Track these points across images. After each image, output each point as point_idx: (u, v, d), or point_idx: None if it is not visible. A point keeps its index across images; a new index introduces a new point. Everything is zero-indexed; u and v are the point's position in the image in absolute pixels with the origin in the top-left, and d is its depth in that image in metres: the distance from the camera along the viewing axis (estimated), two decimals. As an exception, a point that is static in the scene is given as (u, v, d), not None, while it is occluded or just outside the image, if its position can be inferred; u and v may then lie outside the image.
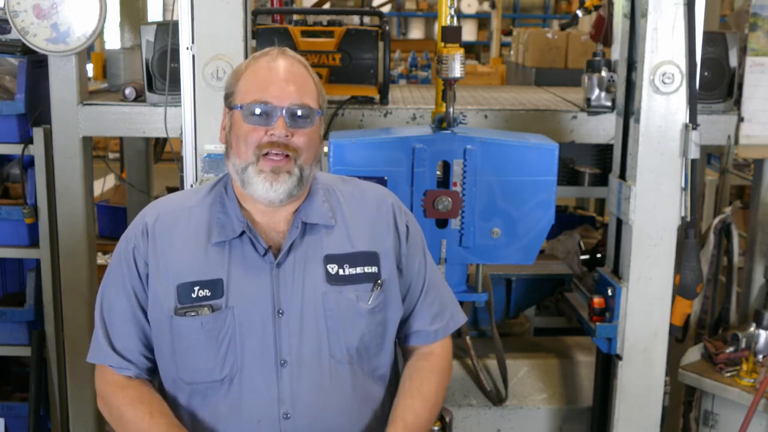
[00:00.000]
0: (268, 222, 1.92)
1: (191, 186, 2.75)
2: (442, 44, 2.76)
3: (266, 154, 1.84)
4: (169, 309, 1.86)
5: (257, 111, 1.84)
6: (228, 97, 1.93)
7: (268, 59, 1.89)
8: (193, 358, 1.87)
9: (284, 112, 1.84)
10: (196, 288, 1.86)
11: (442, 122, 2.78)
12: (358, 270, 1.93)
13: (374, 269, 1.94)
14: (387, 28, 3.51)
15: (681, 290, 2.77)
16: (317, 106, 1.91)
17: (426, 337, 2.06)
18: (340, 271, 1.91)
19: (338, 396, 1.91)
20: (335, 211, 1.96)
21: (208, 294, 1.85)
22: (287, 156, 1.84)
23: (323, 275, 1.90)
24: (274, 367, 1.86)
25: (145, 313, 1.92)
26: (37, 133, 3.30)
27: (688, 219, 2.70)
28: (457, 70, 2.73)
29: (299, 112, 1.86)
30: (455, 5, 2.79)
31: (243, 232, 1.88)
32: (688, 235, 2.73)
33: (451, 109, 2.76)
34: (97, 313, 1.96)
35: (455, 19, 2.80)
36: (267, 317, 1.86)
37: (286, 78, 1.87)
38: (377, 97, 3.48)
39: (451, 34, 2.74)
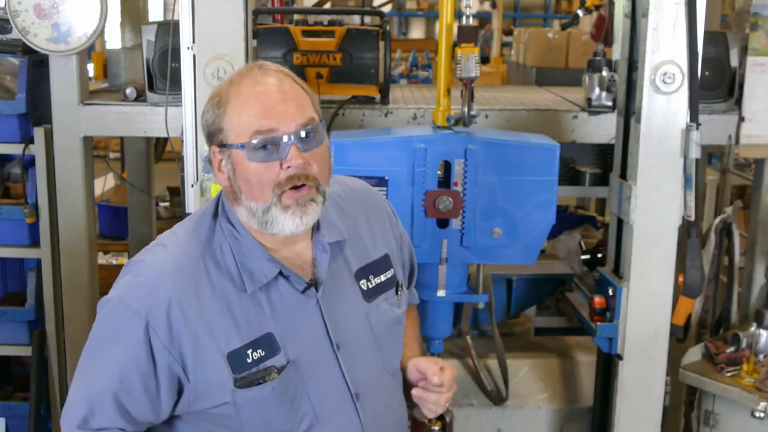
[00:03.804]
0: (293, 253, 1.73)
1: (191, 186, 2.75)
2: (451, 44, 2.77)
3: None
4: (227, 384, 1.63)
5: (264, 145, 1.60)
6: (214, 135, 1.66)
7: (250, 82, 1.64)
8: (266, 424, 1.68)
9: (293, 137, 1.62)
10: (249, 351, 1.64)
11: (458, 122, 2.78)
12: (382, 278, 1.85)
13: (391, 272, 1.87)
14: (388, 27, 3.51)
15: (686, 289, 2.77)
16: (319, 115, 1.69)
17: (413, 297, 2.10)
18: (370, 285, 1.82)
19: (397, 409, 1.88)
20: (342, 220, 1.82)
21: (263, 354, 1.64)
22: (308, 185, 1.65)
23: (359, 294, 1.80)
24: (351, 404, 1.74)
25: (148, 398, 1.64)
26: (38, 132, 3.30)
27: (692, 218, 2.69)
28: (473, 70, 2.74)
29: (308, 133, 1.64)
30: (470, 5, 2.80)
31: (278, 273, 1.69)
32: (692, 234, 2.73)
33: (467, 109, 2.77)
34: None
35: (470, 19, 2.81)
36: (329, 356, 1.72)
37: (282, 98, 1.63)
38: (378, 96, 3.47)
39: (467, 34, 2.75)
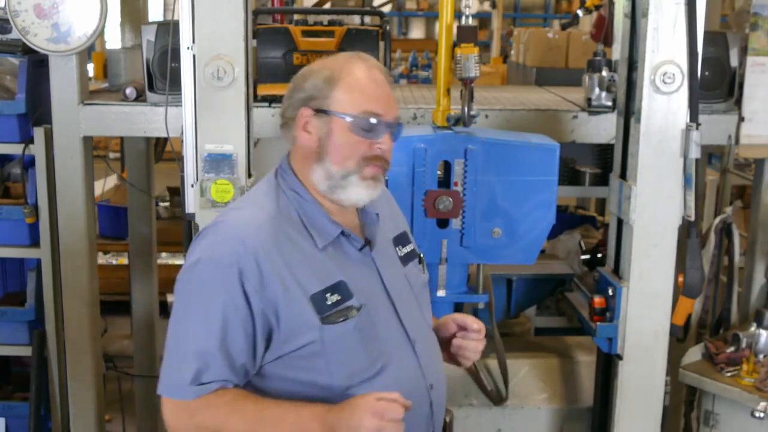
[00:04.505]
0: (345, 219, 1.95)
1: (191, 186, 2.75)
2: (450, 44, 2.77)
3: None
4: (314, 322, 1.81)
5: (368, 124, 1.86)
6: (313, 100, 1.88)
7: (364, 68, 1.90)
8: (349, 361, 1.85)
9: (389, 127, 1.90)
10: (328, 295, 1.83)
11: (458, 121, 2.78)
12: (408, 248, 2.09)
13: (412, 245, 2.12)
14: (388, 27, 3.51)
15: (686, 289, 2.78)
16: None
17: None
18: (403, 252, 2.06)
19: (440, 359, 2.08)
20: (375, 200, 2.03)
21: (339, 298, 1.84)
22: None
23: (397, 258, 2.03)
24: (410, 349, 1.95)
25: (249, 336, 1.80)
26: (38, 132, 3.30)
27: (692, 218, 2.69)
28: (472, 70, 2.74)
29: (399, 127, 1.94)
30: (470, 5, 2.80)
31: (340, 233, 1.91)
32: (692, 234, 2.73)
33: (467, 108, 2.77)
34: (180, 343, 1.82)
35: (470, 18, 2.81)
36: (388, 306, 1.94)
37: (389, 93, 1.92)
38: (378, 96, 3.47)
39: (467, 34, 2.75)
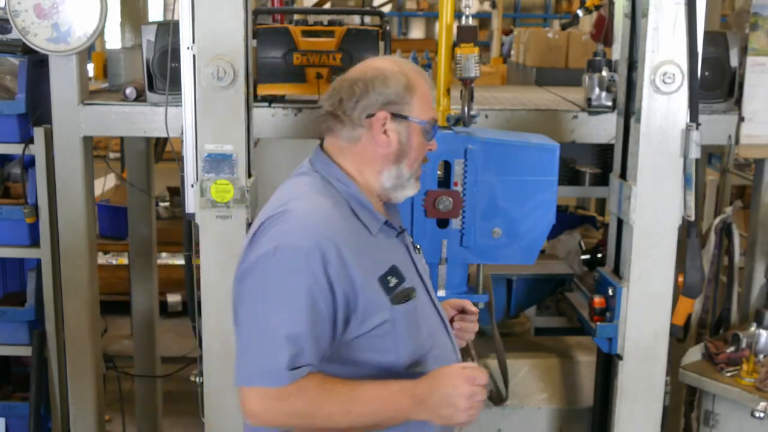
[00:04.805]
0: (379, 209, 2.04)
1: (191, 186, 2.75)
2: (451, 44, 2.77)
3: None
4: (386, 302, 1.90)
5: (434, 130, 2.03)
6: (392, 104, 1.96)
7: (425, 77, 2.03)
8: (412, 340, 1.94)
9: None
10: (389, 278, 1.92)
11: (458, 121, 2.78)
12: (411, 239, 2.18)
13: (411, 238, 2.19)
14: (388, 27, 3.51)
15: (686, 289, 2.78)
16: None
17: None
18: (410, 240, 2.14)
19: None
20: None
21: (397, 281, 1.93)
22: None
23: (412, 246, 2.12)
24: (444, 328, 2.08)
25: (330, 319, 1.84)
26: (38, 132, 3.30)
27: (692, 218, 2.69)
28: (472, 70, 2.74)
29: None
30: (470, 5, 2.80)
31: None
32: (692, 234, 2.73)
33: (467, 108, 2.77)
34: (267, 329, 1.81)
35: (470, 18, 2.81)
36: (422, 288, 2.04)
37: None
38: (378, 96, 3.47)
39: (466, 34, 2.75)
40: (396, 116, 1.96)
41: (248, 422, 1.86)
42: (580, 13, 4.36)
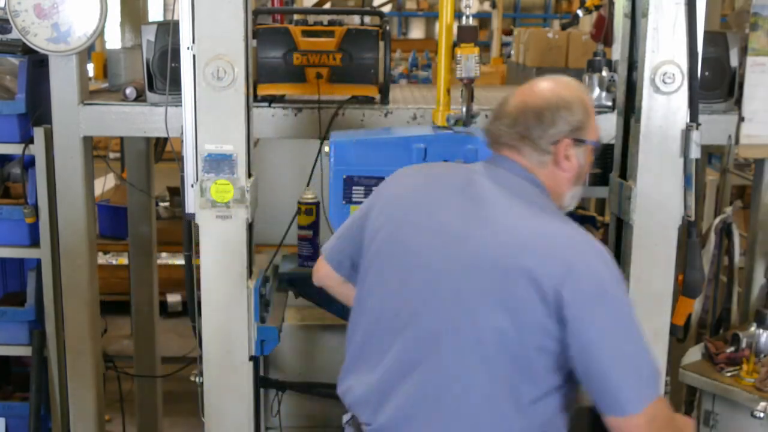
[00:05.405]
0: None
1: (191, 186, 2.75)
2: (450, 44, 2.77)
3: None
4: None
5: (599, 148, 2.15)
6: (577, 131, 2.06)
7: (591, 97, 2.19)
8: None
9: None
10: None
11: (458, 121, 2.78)
12: None
13: None
14: (388, 27, 3.50)
15: (686, 289, 2.77)
16: None
17: None
18: None
19: None
20: None
21: None
22: None
23: None
24: None
25: None
26: (38, 132, 3.30)
27: (692, 218, 2.69)
28: (472, 70, 2.74)
29: None
30: (470, 5, 2.80)
31: None
32: (692, 234, 2.73)
33: (467, 109, 2.77)
34: None
35: (470, 18, 2.81)
36: None
37: None
38: (378, 96, 3.47)
39: (467, 34, 2.75)
40: (577, 141, 2.07)
41: None
42: (580, 13, 4.36)
